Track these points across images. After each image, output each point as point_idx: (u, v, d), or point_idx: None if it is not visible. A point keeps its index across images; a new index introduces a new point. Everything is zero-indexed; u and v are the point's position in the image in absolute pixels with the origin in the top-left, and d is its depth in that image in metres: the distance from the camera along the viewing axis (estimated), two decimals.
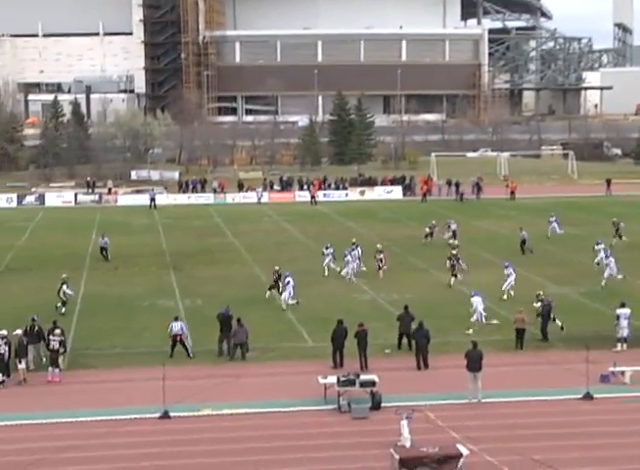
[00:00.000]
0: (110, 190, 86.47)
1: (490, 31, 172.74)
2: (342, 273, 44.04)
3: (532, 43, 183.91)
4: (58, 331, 29.23)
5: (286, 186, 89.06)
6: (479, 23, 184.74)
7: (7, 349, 28.11)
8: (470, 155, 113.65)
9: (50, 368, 28.63)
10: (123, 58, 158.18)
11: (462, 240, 53.29)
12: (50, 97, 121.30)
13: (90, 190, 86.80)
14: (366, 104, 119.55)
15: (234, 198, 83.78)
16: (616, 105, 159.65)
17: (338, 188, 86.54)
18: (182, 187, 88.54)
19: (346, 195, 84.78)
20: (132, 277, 45.76)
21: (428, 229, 54.95)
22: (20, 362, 28.24)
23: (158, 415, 25.13)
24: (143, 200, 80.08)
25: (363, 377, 26.38)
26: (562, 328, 33.28)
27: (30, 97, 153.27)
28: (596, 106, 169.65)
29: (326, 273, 45.00)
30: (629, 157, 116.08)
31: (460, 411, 25.53)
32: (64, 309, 37.09)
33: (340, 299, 39.97)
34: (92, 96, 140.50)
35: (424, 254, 51.36)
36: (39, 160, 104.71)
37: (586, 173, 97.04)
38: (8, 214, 73.67)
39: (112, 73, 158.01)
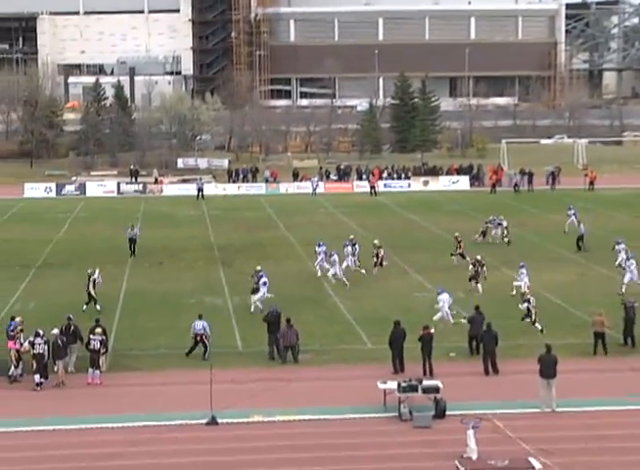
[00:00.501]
0: (156, 179, 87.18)
1: (568, 6, 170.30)
2: (329, 274, 42.97)
3: (614, 19, 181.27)
4: (99, 330, 29.56)
5: (343, 176, 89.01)
6: None
7: (45, 348, 28.52)
8: (544, 142, 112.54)
9: (90, 370, 28.93)
10: (170, 37, 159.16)
11: (531, 234, 52.56)
12: (91, 79, 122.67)
13: (134, 179, 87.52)
14: (431, 86, 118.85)
15: (287, 188, 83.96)
16: None
17: (399, 178, 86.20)
18: (232, 176, 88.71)
19: (409, 185, 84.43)
20: (178, 273, 46.12)
21: (484, 226, 53.59)
22: (56, 363, 28.63)
23: (204, 421, 25.28)
24: (190, 190, 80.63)
25: (426, 382, 26.32)
26: None
27: (71, 79, 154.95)
28: None
29: (318, 274, 44.32)
30: None
31: (532, 421, 25.33)
32: (98, 307, 37.34)
33: (400, 297, 39.94)
34: (136, 78, 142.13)
35: (486, 250, 49.62)
36: (80, 146, 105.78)
37: None
38: (46, 205, 74.60)
39: (157, 54, 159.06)
